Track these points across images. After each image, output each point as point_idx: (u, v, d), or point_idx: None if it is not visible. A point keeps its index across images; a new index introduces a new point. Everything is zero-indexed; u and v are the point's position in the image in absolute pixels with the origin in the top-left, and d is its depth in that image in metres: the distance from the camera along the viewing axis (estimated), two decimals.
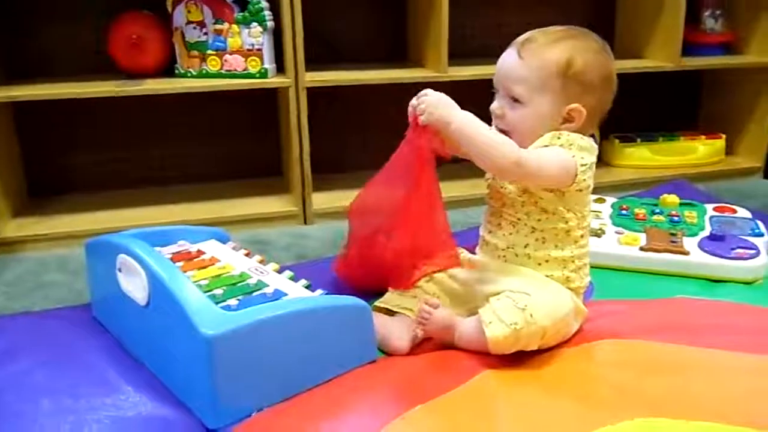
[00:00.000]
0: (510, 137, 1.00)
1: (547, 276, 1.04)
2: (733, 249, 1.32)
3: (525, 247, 1.04)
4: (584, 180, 1.01)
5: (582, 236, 1.06)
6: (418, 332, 1.05)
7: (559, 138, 1.00)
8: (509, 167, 0.95)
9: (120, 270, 1.02)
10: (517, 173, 0.97)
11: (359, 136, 1.93)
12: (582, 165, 0.99)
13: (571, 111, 1.01)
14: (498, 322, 0.97)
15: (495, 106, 1.04)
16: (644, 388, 0.94)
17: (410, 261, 1.11)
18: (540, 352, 1.00)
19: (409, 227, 1.07)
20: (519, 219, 1.04)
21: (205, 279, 1.04)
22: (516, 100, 1.01)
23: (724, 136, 2.07)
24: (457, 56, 1.70)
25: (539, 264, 1.04)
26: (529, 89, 1.00)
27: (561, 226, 1.04)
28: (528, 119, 1.01)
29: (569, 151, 0.99)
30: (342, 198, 1.73)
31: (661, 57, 1.92)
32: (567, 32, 1.03)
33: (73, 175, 1.79)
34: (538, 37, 1.01)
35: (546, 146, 1.00)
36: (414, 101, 0.99)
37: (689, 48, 1.93)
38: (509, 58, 1.02)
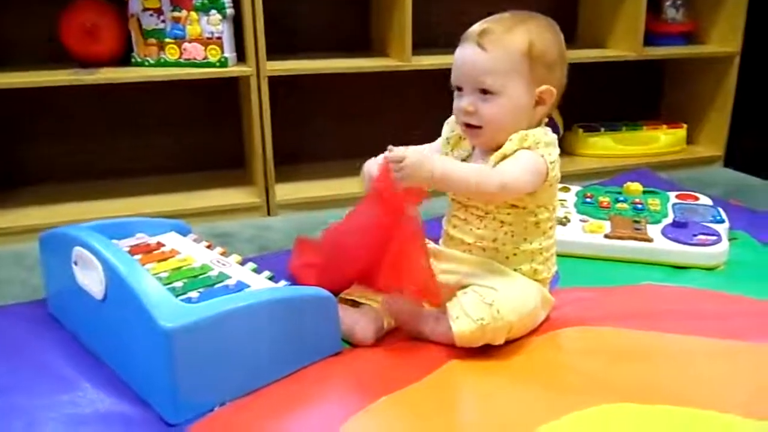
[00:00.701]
0: (483, 132, 1.00)
1: (515, 269, 1.04)
2: (695, 236, 1.33)
3: (493, 241, 1.03)
4: (554, 175, 1.01)
5: (550, 227, 1.06)
6: (385, 323, 1.04)
7: (525, 140, 0.99)
8: (497, 193, 0.97)
9: (76, 263, 0.99)
10: (503, 195, 0.99)
11: (322, 126, 1.90)
12: (551, 162, 1.00)
13: (542, 93, 1.01)
14: (464, 317, 0.97)
15: (465, 104, 1.00)
16: (611, 374, 0.95)
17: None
18: (507, 341, 1.00)
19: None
20: (487, 213, 1.03)
21: (164, 271, 1.01)
22: (487, 93, 0.99)
23: (685, 125, 2.09)
24: (419, 45, 1.69)
25: (507, 258, 1.04)
26: (500, 79, 0.98)
27: (530, 219, 1.03)
28: (504, 109, 0.99)
29: (537, 151, 0.99)
30: (305, 189, 1.72)
31: (623, 47, 1.93)
32: (517, 17, 1.02)
33: (28, 167, 1.74)
34: (494, 27, 1.00)
35: (515, 151, 0.99)
36: (388, 161, 0.93)
37: (651, 38, 1.94)
38: (471, 52, 1.00)
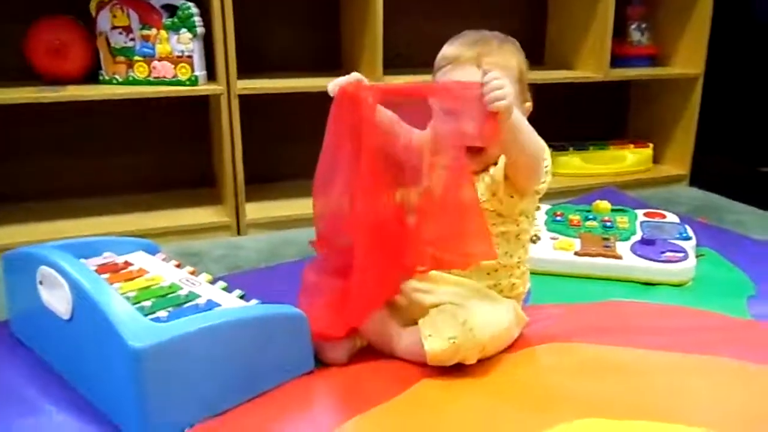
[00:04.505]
0: (484, 151, 1.00)
1: (495, 284, 1.04)
2: (663, 253, 1.35)
3: None
4: (544, 182, 1.02)
5: (527, 240, 1.07)
6: (357, 341, 1.03)
7: None
8: (542, 161, 0.99)
9: (41, 283, 0.96)
10: (540, 169, 0.99)
11: (293, 145, 1.89)
12: (547, 166, 1.02)
13: (525, 110, 1.03)
14: (436, 336, 0.97)
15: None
16: (582, 390, 0.95)
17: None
18: (480, 360, 1.00)
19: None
20: None
21: (132, 291, 1.00)
22: None
23: (651, 144, 2.13)
24: (389, 65, 1.70)
25: (488, 273, 1.03)
26: None
27: (513, 229, 1.04)
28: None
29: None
30: (276, 208, 1.71)
31: (590, 68, 1.96)
32: (495, 37, 1.03)
33: None
34: (489, 50, 0.99)
35: None
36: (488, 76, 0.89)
37: (617, 60, 1.98)
38: (475, 76, 0.94)
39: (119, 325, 0.82)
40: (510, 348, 1.05)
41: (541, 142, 0.99)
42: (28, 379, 0.98)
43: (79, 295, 0.89)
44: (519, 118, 0.95)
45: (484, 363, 1.00)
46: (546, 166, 1.02)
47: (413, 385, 0.96)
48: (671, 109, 2.12)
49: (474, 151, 1.00)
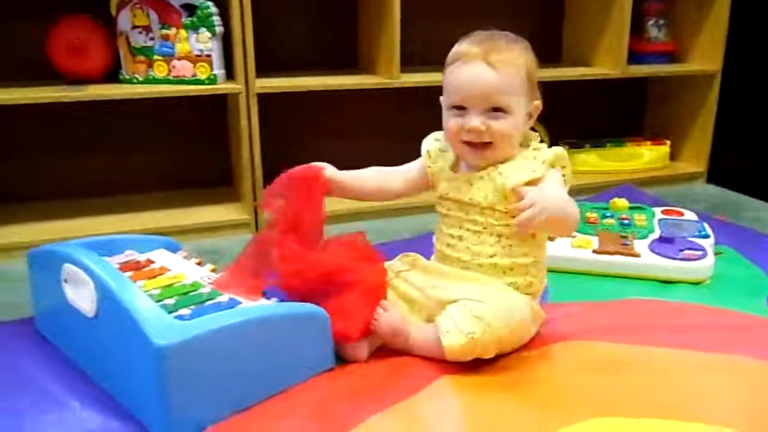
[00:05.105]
0: (493, 149, 1.01)
1: (511, 283, 1.04)
2: (681, 251, 1.35)
3: (491, 256, 1.03)
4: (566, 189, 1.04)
5: (543, 239, 1.07)
6: (378, 339, 1.04)
7: (543, 162, 1.01)
8: (576, 221, 1.02)
9: (66, 281, 0.98)
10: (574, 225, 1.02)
11: (311, 143, 1.91)
12: (564, 175, 1.03)
13: (534, 108, 1.04)
14: (455, 331, 0.97)
15: (477, 123, 0.99)
16: (601, 388, 0.95)
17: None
18: (497, 356, 1.00)
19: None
20: (485, 228, 1.04)
21: (155, 289, 1.01)
22: (498, 111, 0.99)
23: (668, 142, 2.12)
24: (405, 63, 1.70)
25: (504, 272, 1.04)
26: (512, 97, 1.00)
27: None
28: (513, 125, 1.01)
29: (558, 170, 1.02)
30: None
31: (607, 65, 1.95)
32: (504, 36, 1.04)
33: (14, 185, 1.72)
34: (498, 46, 1.00)
35: (543, 173, 1.01)
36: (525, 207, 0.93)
37: (634, 56, 1.97)
38: (482, 72, 0.99)
39: (144, 323, 0.83)
40: (527, 346, 1.05)
41: (575, 211, 1.00)
42: (53, 375, 0.99)
43: (103, 292, 0.90)
44: (556, 208, 0.95)
45: (502, 360, 1.01)
46: (564, 175, 1.03)
47: (432, 383, 0.96)
48: (689, 106, 2.11)
49: (479, 147, 1.01)
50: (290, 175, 1.08)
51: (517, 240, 1.03)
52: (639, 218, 1.51)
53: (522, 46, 1.03)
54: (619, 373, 0.99)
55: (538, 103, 1.05)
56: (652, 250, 1.36)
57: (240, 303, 0.98)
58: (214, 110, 1.79)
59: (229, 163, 1.85)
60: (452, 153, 1.08)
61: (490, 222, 1.03)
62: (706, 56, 2.04)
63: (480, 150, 1.02)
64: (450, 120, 1.03)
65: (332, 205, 1.68)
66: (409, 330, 1.03)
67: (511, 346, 1.02)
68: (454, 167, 1.08)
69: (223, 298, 1.00)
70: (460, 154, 1.07)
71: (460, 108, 1.01)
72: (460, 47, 1.03)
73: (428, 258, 1.13)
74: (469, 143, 1.02)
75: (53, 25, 1.56)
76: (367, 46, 1.83)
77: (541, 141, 1.07)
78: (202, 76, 1.58)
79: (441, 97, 1.06)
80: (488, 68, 0.99)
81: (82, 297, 0.94)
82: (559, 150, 1.03)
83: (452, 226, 1.07)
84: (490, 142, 1.01)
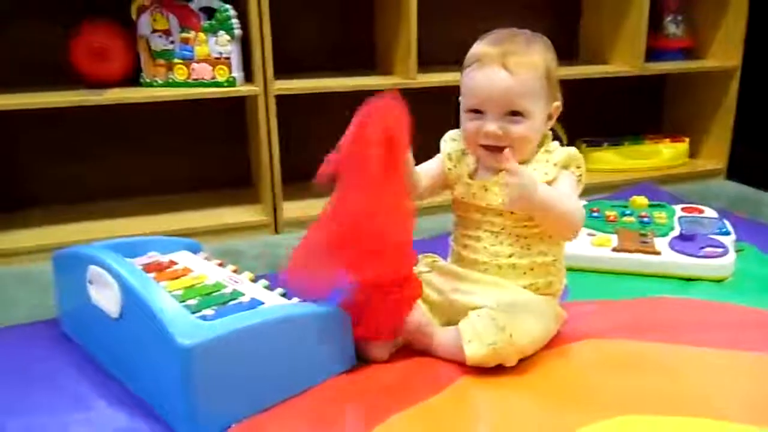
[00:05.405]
0: (509, 151, 0.98)
1: (531, 284, 1.04)
2: (702, 248, 1.34)
3: (509, 257, 1.03)
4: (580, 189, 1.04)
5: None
6: (398, 339, 1.04)
7: (555, 164, 1.02)
8: (579, 225, 1.01)
9: (91, 282, 0.99)
10: (575, 228, 1.01)
11: (329, 143, 1.91)
12: (579, 176, 1.03)
13: (554, 109, 1.04)
14: (477, 341, 0.97)
15: (494, 128, 0.98)
16: (622, 387, 0.95)
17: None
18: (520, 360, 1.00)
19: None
20: (503, 228, 1.03)
21: (178, 289, 1.02)
22: (517, 115, 0.99)
23: (687, 139, 2.11)
24: (422, 64, 1.71)
25: (524, 273, 1.04)
26: (531, 100, 0.99)
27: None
28: (532, 128, 1.00)
29: (572, 171, 1.03)
30: (313, 206, 1.72)
31: (624, 62, 1.94)
32: (523, 36, 1.02)
33: (36, 187, 1.75)
34: (514, 49, 0.99)
35: (555, 175, 1.01)
36: (509, 170, 0.92)
37: (652, 53, 1.96)
38: (499, 76, 0.97)
39: (168, 324, 0.84)
40: (549, 345, 1.05)
41: (578, 208, 1.00)
42: (79, 375, 1.00)
43: (128, 293, 0.91)
44: (548, 196, 0.96)
45: (524, 361, 1.01)
46: (579, 176, 1.03)
47: (453, 383, 0.96)
48: (707, 103, 2.09)
49: (497, 151, 0.99)
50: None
51: (535, 239, 1.03)
52: (659, 216, 1.51)
53: (541, 45, 1.02)
54: (643, 371, 0.99)
55: (558, 104, 1.04)
56: (673, 248, 1.35)
57: (262, 303, 0.99)
58: (233, 112, 1.80)
59: (248, 165, 1.86)
60: (472, 157, 1.08)
61: (508, 224, 1.03)
62: (725, 52, 2.02)
63: (497, 154, 0.99)
64: (467, 123, 1.02)
65: None
66: (432, 331, 1.03)
67: (532, 352, 1.02)
68: (473, 175, 1.07)
69: (245, 298, 1.01)
70: (477, 157, 1.06)
71: (478, 111, 1.01)
72: (478, 48, 1.02)
73: (444, 259, 1.13)
74: (486, 147, 1.01)
75: (75, 29, 1.57)
76: (384, 48, 1.84)
77: (559, 140, 1.07)
78: (221, 79, 1.59)
79: (459, 98, 1.05)
80: (505, 72, 0.97)
81: (106, 298, 0.96)
82: (572, 150, 1.03)
83: (469, 227, 1.07)
84: (508, 146, 0.99)
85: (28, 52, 1.65)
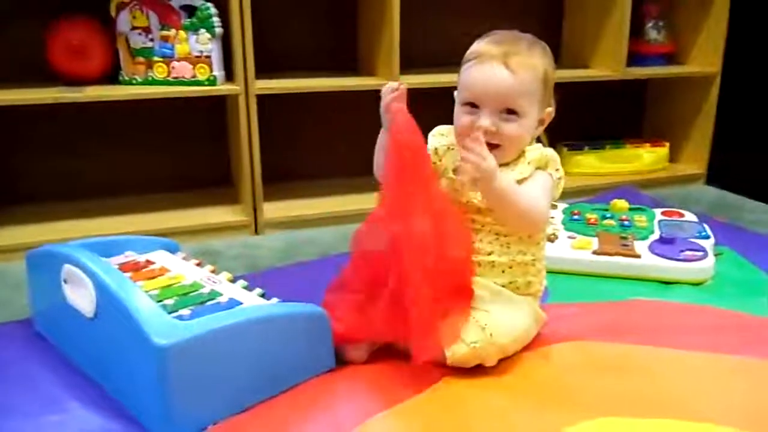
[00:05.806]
0: (501, 150, 1.00)
1: (510, 282, 1.04)
2: (681, 251, 1.35)
3: (489, 254, 1.03)
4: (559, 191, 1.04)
5: (542, 237, 1.07)
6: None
7: (529, 162, 1.02)
8: (540, 223, 1.03)
9: (65, 281, 0.97)
10: (543, 226, 1.04)
11: (310, 144, 1.91)
12: (558, 178, 1.03)
13: (546, 114, 1.04)
14: (458, 340, 0.96)
15: (488, 123, 0.98)
16: (602, 388, 0.95)
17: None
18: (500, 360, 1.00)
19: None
20: (483, 226, 1.03)
21: (155, 289, 1.01)
22: (512, 113, 0.99)
23: (667, 143, 2.12)
24: (405, 65, 1.70)
25: (503, 271, 1.03)
26: (527, 101, 0.99)
27: None
28: (524, 129, 1.00)
29: (550, 173, 1.03)
30: (293, 207, 1.72)
31: (606, 67, 1.96)
32: (527, 39, 1.03)
33: (12, 186, 1.72)
34: (516, 49, 0.99)
35: (530, 173, 1.01)
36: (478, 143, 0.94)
37: (633, 58, 1.97)
38: (499, 73, 0.98)
39: (144, 323, 0.83)
40: (529, 346, 1.05)
41: (539, 211, 1.00)
42: (53, 376, 0.99)
43: (103, 293, 0.90)
44: (508, 190, 0.96)
45: (504, 362, 1.01)
46: (559, 178, 1.03)
47: (434, 384, 0.96)
48: (688, 108, 2.11)
49: (489, 146, 0.99)
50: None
51: (514, 238, 1.03)
52: (639, 219, 1.51)
53: (542, 50, 1.03)
54: (623, 373, 0.99)
55: (551, 110, 1.04)
56: (653, 251, 1.36)
57: (240, 303, 0.98)
58: (214, 111, 1.79)
59: (228, 165, 1.85)
60: (458, 153, 1.07)
61: (487, 221, 1.03)
62: (705, 58, 2.04)
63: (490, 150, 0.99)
64: (462, 116, 1.02)
65: (333, 206, 1.72)
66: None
67: (513, 352, 1.02)
68: (457, 170, 1.06)
69: (223, 298, 0.99)
70: None
71: (474, 106, 1.01)
72: (480, 46, 1.02)
73: None
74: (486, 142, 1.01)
75: (52, 26, 1.55)
76: (367, 48, 1.83)
77: (540, 142, 1.07)
78: (202, 78, 1.57)
79: (455, 92, 1.05)
80: (506, 70, 0.98)
81: (81, 297, 0.94)
82: (547, 151, 1.04)
83: None
84: (499, 144, 1.00)
85: (5, 49, 1.63)
